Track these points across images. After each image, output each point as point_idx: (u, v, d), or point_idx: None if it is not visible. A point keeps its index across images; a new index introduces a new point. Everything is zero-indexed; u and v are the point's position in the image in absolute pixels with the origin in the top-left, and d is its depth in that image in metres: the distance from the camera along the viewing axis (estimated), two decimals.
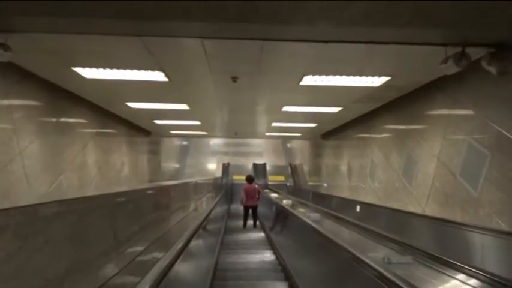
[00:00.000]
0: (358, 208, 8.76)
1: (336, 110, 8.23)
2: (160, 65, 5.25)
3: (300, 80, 5.85)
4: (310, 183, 17.33)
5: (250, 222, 10.35)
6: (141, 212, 4.06)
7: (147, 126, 11.96)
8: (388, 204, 7.67)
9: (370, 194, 8.85)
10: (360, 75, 5.60)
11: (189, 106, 8.15)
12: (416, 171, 6.68)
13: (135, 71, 5.53)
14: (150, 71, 5.54)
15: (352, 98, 7.11)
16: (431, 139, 6.20)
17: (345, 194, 10.90)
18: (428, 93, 6.28)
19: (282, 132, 13.22)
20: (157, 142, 15.95)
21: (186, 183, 8.37)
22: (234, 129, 12.93)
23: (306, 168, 18.81)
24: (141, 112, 9.08)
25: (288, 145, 24.52)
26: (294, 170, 20.08)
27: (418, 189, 6.58)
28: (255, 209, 10.31)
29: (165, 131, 13.29)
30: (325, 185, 14.63)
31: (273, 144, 24.75)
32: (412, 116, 6.87)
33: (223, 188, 17.02)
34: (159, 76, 5.75)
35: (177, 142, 22.28)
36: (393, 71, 5.45)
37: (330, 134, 13.06)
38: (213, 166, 21.66)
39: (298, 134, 13.78)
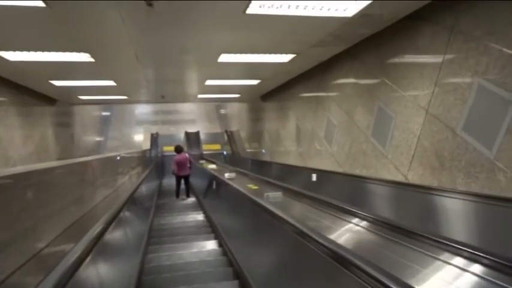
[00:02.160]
0: (314, 177, 7.39)
1: (287, 58, 6.58)
2: None
3: (247, 7, 4.08)
4: (249, 150, 15.88)
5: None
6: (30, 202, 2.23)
7: (46, 90, 9.41)
8: (355, 171, 6.36)
9: (327, 159, 7.51)
10: None
11: (93, 56, 5.99)
12: (392, 129, 5.35)
13: None
14: None
15: (313, 37, 5.48)
16: (415, 87, 4.84)
17: (294, 160, 9.53)
18: (411, 25, 4.86)
19: (217, 93, 11.36)
20: (68, 113, 13.29)
21: (102, 159, 6.33)
22: (160, 91, 10.80)
23: (243, 134, 17.28)
24: (28, 68, 6.69)
25: (222, 111, 22.72)
26: (230, 137, 18.46)
27: (395, 151, 5.27)
28: (187, 178, 10.38)
29: (72, 97, 10.77)
30: (264, 151, 13.25)
31: (207, 111, 22.75)
32: (385, 61, 5.46)
33: (153, 162, 14.92)
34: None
35: (95, 112, 19.44)
36: None
37: (271, 94, 11.50)
38: (140, 137, 19.20)
39: (236, 95, 12.03)
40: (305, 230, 2.36)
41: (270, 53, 6.21)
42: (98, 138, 19.00)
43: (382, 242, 3.08)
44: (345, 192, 6.27)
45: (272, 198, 4.27)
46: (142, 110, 22.58)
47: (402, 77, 5.09)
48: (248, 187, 5.39)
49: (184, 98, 12.79)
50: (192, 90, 10.58)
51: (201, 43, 5.54)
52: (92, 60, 6.12)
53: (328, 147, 7.46)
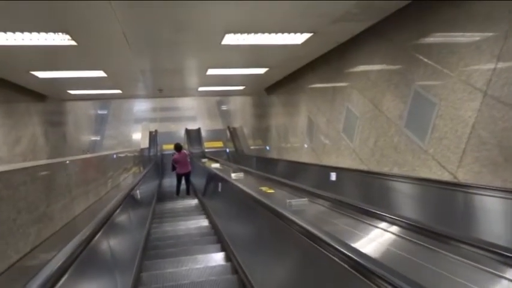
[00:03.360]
0: (333, 176, 6.48)
1: (302, 38, 5.64)
2: None
3: None
4: (253, 147, 14.98)
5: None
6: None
7: (30, 84, 8.48)
8: (383, 169, 5.44)
9: (347, 155, 6.59)
10: None
11: (74, 39, 5.07)
12: (433, 118, 4.42)
13: None
14: None
15: (337, 8, 4.54)
16: (466, 64, 3.92)
17: (306, 157, 8.62)
18: None
19: (219, 85, 10.41)
20: (60, 111, 12.39)
21: (94, 159, 5.43)
22: (157, 84, 9.87)
23: (246, 131, 16.37)
24: (2, 54, 5.78)
25: (224, 107, 21.79)
26: (233, 134, 17.54)
27: (439, 144, 4.35)
28: (188, 176, 10.46)
29: (61, 91, 9.84)
30: (268, 148, 12.37)
31: (208, 107, 21.83)
32: (425, 36, 4.54)
33: (152, 161, 14.04)
34: None
35: (91, 111, 18.54)
36: None
37: (278, 86, 10.57)
38: (138, 136, 18.27)
39: (240, 88, 11.08)
40: (377, 270, 1.46)
41: (283, 31, 5.27)
42: (93, 138, 18.09)
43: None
44: (375, 194, 5.37)
45: (296, 206, 3.36)
46: (140, 107, 21.65)
47: (450, 52, 4.16)
48: (261, 190, 4.48)
49: (184, 92, 11.84)
50: (192, 82, 9.65)
51: (200, 18, 4.61)
52: (74, 43, 5.19)
53: (348, 141, 6.54)
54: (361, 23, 5.28)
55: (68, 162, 3.46)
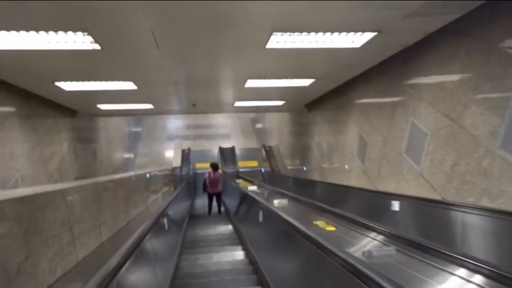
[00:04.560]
0: (395, 205, 5.39)
1: (362, 40, 4.69)
2: None
3: None
4: (290, 168, 13.98)
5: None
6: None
7: (56, 97, 7.97)
8: (466, 200, 4.33)
9: (412, 181, 5.49)
10: None
11: (98, 41, 4.38)
12: None
13: None
14: None
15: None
16: None
17: (356, 181, 7.55)
18: None
19: (257, 99, 9.57)
20: (91, 128, 11.97)
21: (120, 180, 4.67)
22: (191, 98, 9.16)
23: (283, 149, 15.42)
24: (26, 65, 5.21)
25: (259, 125, 21.02)
26: (269, 153, 16.63)
27: None
28: (219, 195, 10.53)
29: (90, 106, 9.32)
30: (305, 168, 11.40)
31: (242, 125, 21.18)
32: None
33: (184, 180, 13.33)
34: None
35: (125, 128, 18.26)
36: None
37: (320, 102, 9.63)
38: (170, 154, 17.73)
39: (279, 103, 10.20)
40: None
41: (341, 30, 4.36)
42: (126, 155, 17.70)
43: None
44: (456, 233, 4.25)
45: (378, 257, 2.36)
46: (174, 124, 21.30)
47: None
48: (318, 226, 3.50)
49: (218, 107, 11.09)
50: (228, 96, 8.88)
51: (243, 13, 3.78)
52: (97, 46, 4.50)
53: (414, 164, 5.45)
54: (441, 18, 4.29)
55: (71, 188, 2.64)
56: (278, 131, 16.49)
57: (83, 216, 2.71)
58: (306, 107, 11.13)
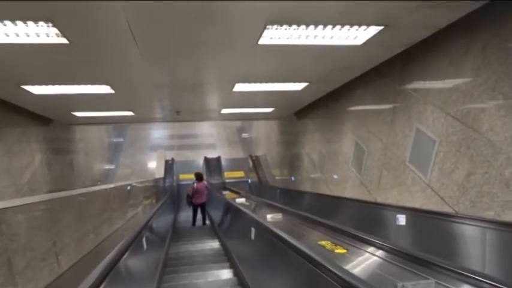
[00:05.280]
0: (401, 220, 4.88)
1: (366, 35, 4.21)
2: None
3: None
4: (278, 178, 13.45)
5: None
6: None
7: (25, 103, 7.28)
8: (485, 214, 3.85)
9: (418, 192, 5.00)
10: None
11: (65, 35, 3.79)
12: None
13: None
14: None
15: None
16: None
17: (351, 192, 7.05)
18: None
19: (245, 106, 9.03)
20: (68, 138, 11.24)
21: (89, 194, 4.02)
22: (175, 105, 8.57)
23: (271, 160, 14.89)
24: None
25: (245, 135, 20.48)
26: (256, 163, 16.07)
27: None
28: (203, 206, 10.48)
29: (64, 113, 8.61)
30: (293, 178, 10.97)
31: (227, 134, 20.62)
32: None
33: (167, 192, 12.64)
34: None
35: (105, 138, 17.48)
36: None
37: (312, 108, 9.16)
38: (153, 164, 16.99)
39: (268, 110, 9.68)
40: None
41: (343, 23, 3.87)
42: (107, 166, 16.89)
43: None
44: (475, 252, 3.76)
45: None
46: (157, 134, 20.61)
47: None
48: (325, 247, 2.95)
49: (204, 115, 10.49)
50: (215, 102, 8.32)
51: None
52: (64, 41, 3.91)
53: (420, 174, 4.97)
54: (453, 12, 3.84)
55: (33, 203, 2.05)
56: (266, 141, 15.98)
57: (32, 243, 2.10)
58: (296, 115, 10.65)
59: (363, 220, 6.06)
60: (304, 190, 9.78)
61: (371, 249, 2.87)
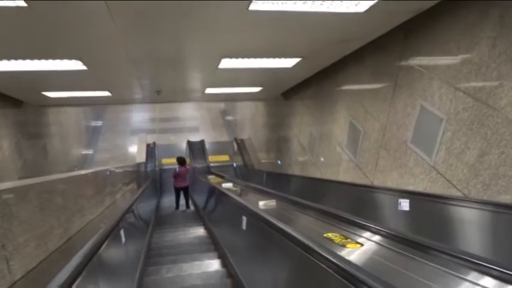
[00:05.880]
0: (404, 205, 4.51)
1: (366, 4, 3.74)
2: None
3: None
4: (264, 161, 13.05)
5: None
6: None
7: None
8: (500, 198, 3.50)
9: (421, 175, 4.63)
10: None
11: (30, 6, 3.19)
12: None
13: None
14: None
15: None
16: None
17: (345, 175, 6.68)
18: None
19: (231, 85, 8.49)
20: (40, 122, 10.51)
21: (54, 183, 3.48)
22: (155, 84, 7.96)
23: (256, 143, 14.46)
24: None
25: (229, 117, 19.92)
26: (241, 147, 15.61)
27: None
28: (186, 190, 10.51)
29: (35, 94, 7.91)
30: (279, 162, 10.65)
31: (211, 117, 20.03)
32: None
33: (149, 177, 12.09)
34: None
35: (83, 122, 16.68)
36: None
37: (301, 87, 8.69)
38: (134, 149, 16.31)
39: (256, 90, 9.16)
40: None
41: None
42: (84, 151, 16.15)
43: None
44: (496, 240, 3.41)
45: None
46: (138, 117, 19.87)
47: None
48: (333, 240, 2.53)
49: (186, 95, 9.89)
50: (198, 81, 7.75)
51: None
52: (22, 3, 3.30)
53: (424, 155, 4.60)
54: None
55: None
56: (251, 123, 15.50)
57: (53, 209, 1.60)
58: (283, 96, 10.18)
59: (355, 203, 5.71)
60: (293, 174, 9.39)
61: (387, 241, 2.46)
